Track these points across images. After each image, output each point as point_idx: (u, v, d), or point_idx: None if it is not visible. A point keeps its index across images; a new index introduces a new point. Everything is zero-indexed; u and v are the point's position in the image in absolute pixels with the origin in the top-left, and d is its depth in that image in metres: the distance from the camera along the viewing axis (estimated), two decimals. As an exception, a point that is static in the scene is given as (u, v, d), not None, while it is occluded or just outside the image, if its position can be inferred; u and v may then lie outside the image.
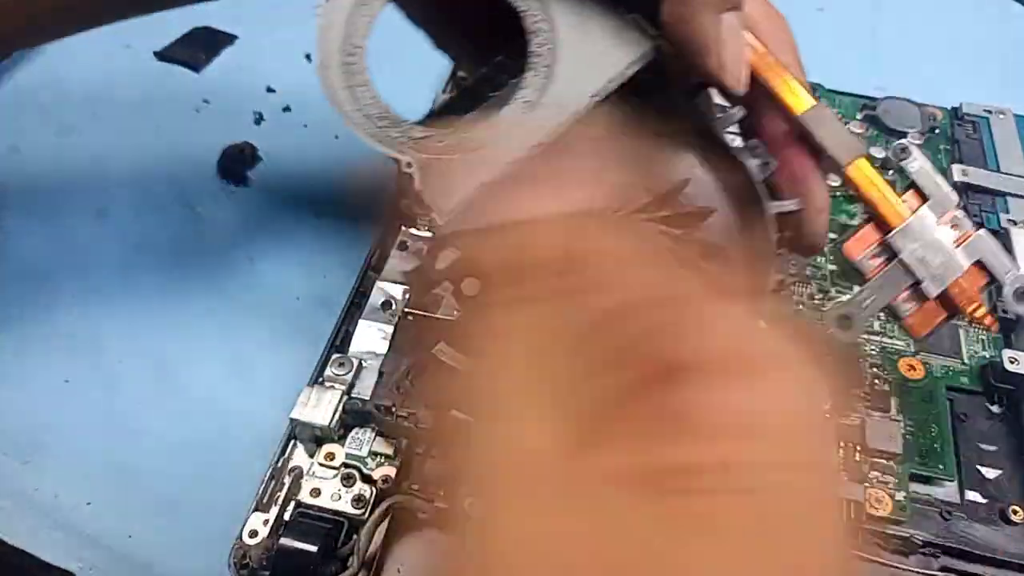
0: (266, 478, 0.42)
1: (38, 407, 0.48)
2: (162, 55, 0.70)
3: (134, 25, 0.75)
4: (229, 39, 0.73)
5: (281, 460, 0.43)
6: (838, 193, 0.57)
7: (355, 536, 0.40)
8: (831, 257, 0.53)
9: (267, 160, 0.62)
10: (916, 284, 0.38)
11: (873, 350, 0.49)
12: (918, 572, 0.41)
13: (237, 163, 0.61)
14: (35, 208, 0.58)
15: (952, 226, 0.38)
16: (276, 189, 0.61)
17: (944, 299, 0.38)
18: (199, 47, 0.71)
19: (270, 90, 0.68)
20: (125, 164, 0.62)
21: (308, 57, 0.72)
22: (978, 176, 0.58)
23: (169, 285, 0.53)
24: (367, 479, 0.42)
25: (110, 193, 0.60)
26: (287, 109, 0.66)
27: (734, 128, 0.37)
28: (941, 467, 0.44)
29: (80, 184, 0.60)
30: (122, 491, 0.45)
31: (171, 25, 0.73)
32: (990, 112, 0.63)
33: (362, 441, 0.43)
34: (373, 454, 0.43)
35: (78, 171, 0.61)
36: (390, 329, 0.49)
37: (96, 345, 0.51)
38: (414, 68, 0.70)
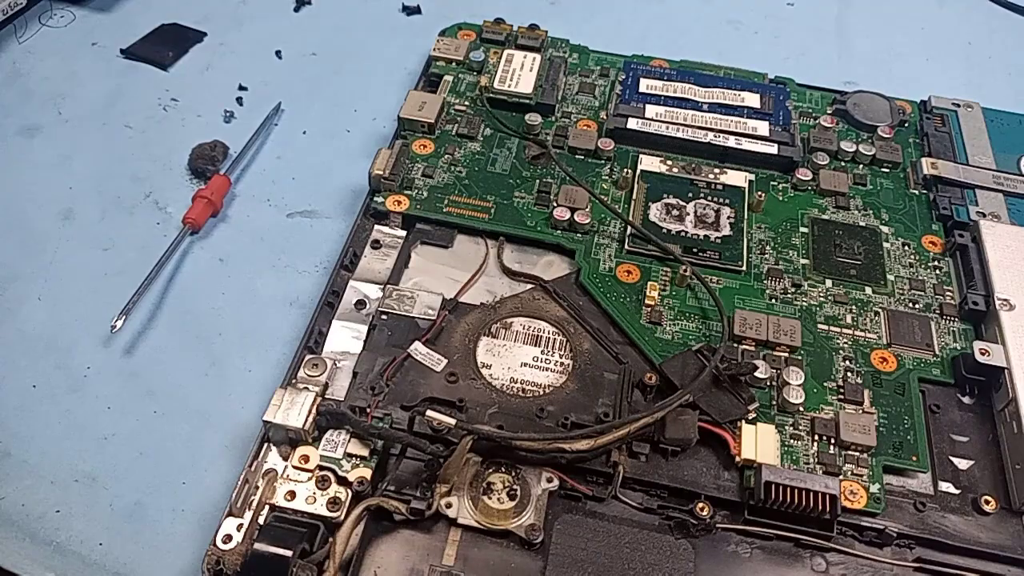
0: (239, 482, 0.41)
1: (2, 412, 0.47)
2: (129, 53, 0.69)
3: (100, 22, 0.74)
4: (197, 36, 0.72)
5: (254, 463, 0.42)
6: (809, 188, 0.58)
7: (331, 539, 0.40)
8: (804, 251, 0.53)
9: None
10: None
11: (846, 343, 0.49)
12: (893, 563, 0.42)
13: (207, 161, 0.60)
14: (-1, 210, 0.57)
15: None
16: (246, 188, 0.60)
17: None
18: (167, 44, 0.70)
19: (242, 88, 0.67)
20: (92, 164, 0.61)
21: (278, 54, 0.71)
22: (947, 169, 0.58)
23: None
24: (342, 481, 0.42)
25: (76, 194, 0.59)
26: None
27: None
28: (914, 459, 0.44)
29: (45, 185, 0.59)
30: (91, 497, 0.44)
31: (138, 22, 0.72)
32: (958, 105, 0.64)
33: (337, 443, 0.43)
34: (348, 456, 0.42)
35: (43, 172, 0.60)
36: (364, 329, 0.48)
37: (63, 349, 0.50)
38: (386, 66, 0.70)
